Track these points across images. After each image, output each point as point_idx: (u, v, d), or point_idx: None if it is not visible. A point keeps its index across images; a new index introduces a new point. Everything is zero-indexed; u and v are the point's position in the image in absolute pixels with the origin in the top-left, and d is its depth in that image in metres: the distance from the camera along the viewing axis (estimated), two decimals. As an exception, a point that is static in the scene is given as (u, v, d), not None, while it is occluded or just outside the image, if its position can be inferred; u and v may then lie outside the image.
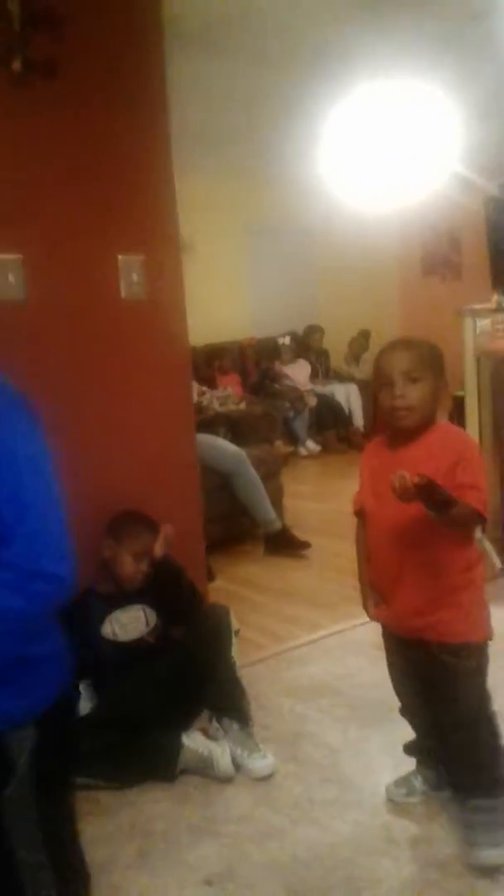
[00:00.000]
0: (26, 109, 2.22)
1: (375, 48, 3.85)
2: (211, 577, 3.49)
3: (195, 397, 3.41)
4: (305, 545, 3.86)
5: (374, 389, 1.78)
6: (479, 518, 1.59)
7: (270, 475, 4.11)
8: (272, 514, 3.89)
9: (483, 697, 1.74)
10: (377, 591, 1.82)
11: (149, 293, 2.45)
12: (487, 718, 1.74)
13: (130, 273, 2.41)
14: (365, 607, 1.88)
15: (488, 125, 4.97)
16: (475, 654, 1.73)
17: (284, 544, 3.87)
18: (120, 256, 2.40)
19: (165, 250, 2.50)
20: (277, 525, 3.90)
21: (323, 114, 4.42)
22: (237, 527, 3.96)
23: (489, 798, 1.73)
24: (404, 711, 1.95)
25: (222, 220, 6.67)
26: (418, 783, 1.94)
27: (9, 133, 2.21)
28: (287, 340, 6.97)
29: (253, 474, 3.86)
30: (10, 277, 2.22)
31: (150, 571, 2.25)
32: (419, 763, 1.96)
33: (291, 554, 3.82)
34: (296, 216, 6.83)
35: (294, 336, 7.13)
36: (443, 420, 1.73)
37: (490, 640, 1.74)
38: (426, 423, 1.69)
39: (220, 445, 3.94)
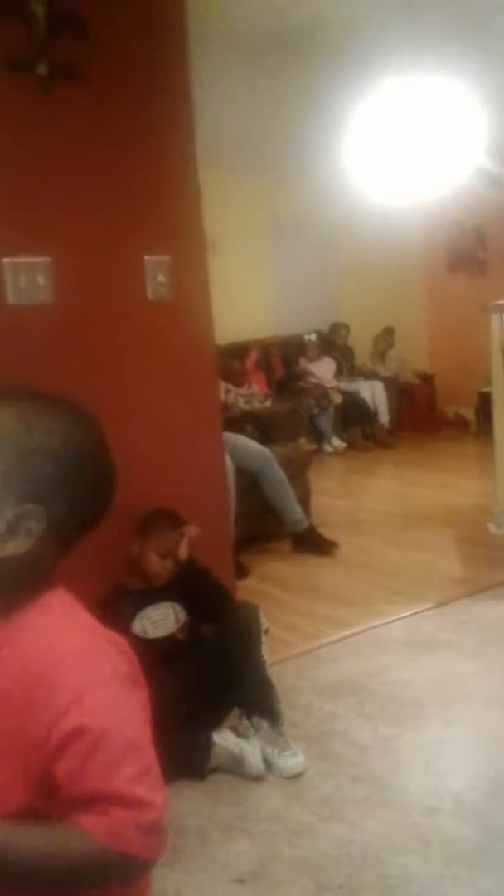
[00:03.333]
0: (52, 112, 2.23)
1: (401, 43, 3.83)
2: (244, 573, 3.51)
3: (221, 395, 3.42)
4: (333, 545, 3.85)
5: None
6: (125, 865, 0.74)
7: (298, 473, 4.10)
8: (299, 513, 3.89)
9: None
10: None
11: (175, 294, 2.46)
12: None
13: (156, 274, 2.42)
14: None
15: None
16: None
17: (312, 543, 3.86)
18: (146, 257, 2.41)
19: (191, 251, 2.51)
20: (305, 524, 3.89)
21: (348, 109, 4.41)
22: (264, 525, 3.95)
23: None
24: None
25: (246, 218, 6.68)
26: None
27: (35, 136, 2.23)
28: (313, 337, 6.96)
29: (279, 473, 3.86)
30: (39, 280, 2.24)
31: (176, 570, 2.27)
32: None
33: (320, 553, 3.81)
34: (320, 213, 6.81)
35: (319, 333, 7.12)
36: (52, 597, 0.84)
37: None
38: None
39: (246, 445, 3.95)
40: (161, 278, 2.43)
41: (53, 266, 2.25)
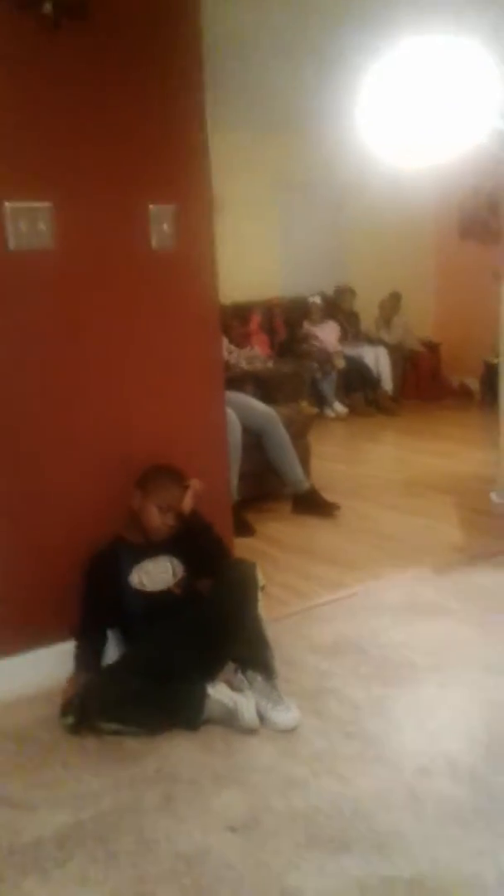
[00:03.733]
0: (57, 54, 2.17)
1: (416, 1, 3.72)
2: (250, 531, 3.54)
3: (224, 355, 3.37)
4: (335, 507, 3.84)
5: None
6: None
7: (299, 434, 4.08)
8: (301, 473, 3.88)
9: None
10: None
11: (179, 244, 2.41)
12: None
13: (161, 223, 2.37)
14: None
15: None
16: None
17: (313, 505, 3.85)
18: (151, 206, 2.35)
19: (197, 201, 2.45)
20: (306, 485, 3.88)
21: (360, 68, 4.30)
22: (265, 485, 3.93)
23: None
24: None
25: (254, 177, 6.55)
26: None
27: (40, 78, 2.16)
28: (318, 300, 6.88)
29: (283, 433, 3.84)
30: (41, 225, 2.19)
31: (177, 525, 2.26)
32: None
33: (320, 514, 3.80)
34: (329, 174, 6.68)
35: (324, 296, 7.03)
36: None
37: None
38: None
39: (252, 404, 3.91)
40: (166, 227, 2.38)
41: (54, 212, 2.20)
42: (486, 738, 2.01)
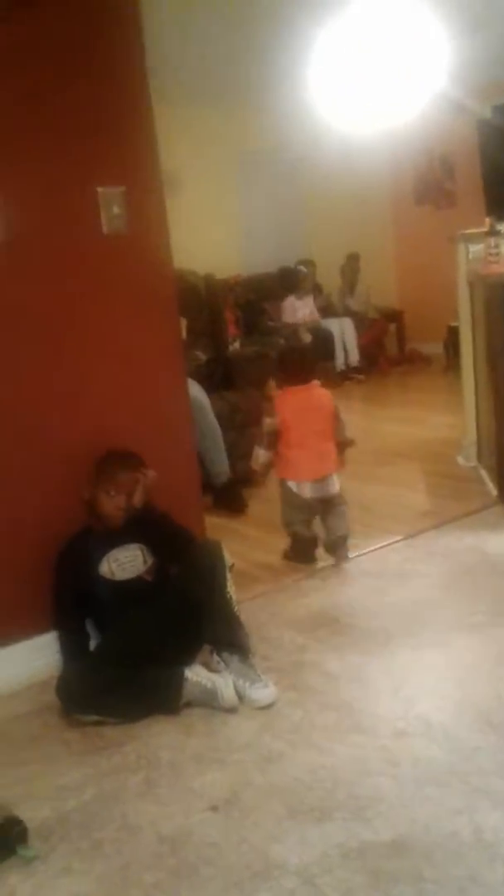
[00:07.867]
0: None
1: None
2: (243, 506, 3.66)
3: (183, 333, 3.27)
4: (244, 506, 3.71)
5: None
6: None
7: (246, 424, 3.86)
8: (224, 465, 3.72)
9: None
10: None
11: (132, 226, 2.38)
12: None
13: (111, 206, 2.34)
14: None
15: (478, 39, 4.77)
16: None
17: (228, 499, 3.72)
18: (100, 189, 2.32)
19: (147, 181, 2.42)
20: (225, 478, 3.73)
21: (310, 35, 4.24)
22: (232, 466, 3.89)
23: None
24: None
25: (208, 152, 6.47)
26: None
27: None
28: (304, 269, 6.83)
29: (212, 421, 3.67)
30: (-14, 215, 2.15)
31: (128, 510, 2.23)
32: None
33: (231, 510, 3.66)
34: (284, 145, 6.62)
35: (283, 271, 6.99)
36: None
37: None
38: None
39: None
40: (116, 210, 2.34)
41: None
42: (458, 696, 2.06)
